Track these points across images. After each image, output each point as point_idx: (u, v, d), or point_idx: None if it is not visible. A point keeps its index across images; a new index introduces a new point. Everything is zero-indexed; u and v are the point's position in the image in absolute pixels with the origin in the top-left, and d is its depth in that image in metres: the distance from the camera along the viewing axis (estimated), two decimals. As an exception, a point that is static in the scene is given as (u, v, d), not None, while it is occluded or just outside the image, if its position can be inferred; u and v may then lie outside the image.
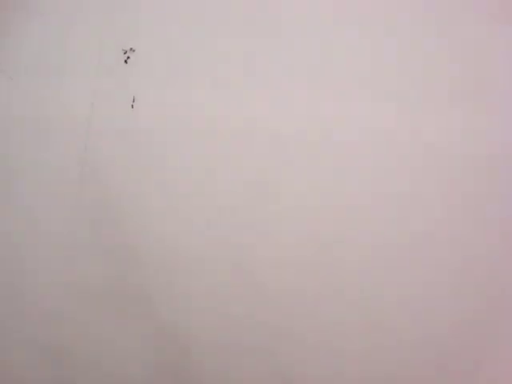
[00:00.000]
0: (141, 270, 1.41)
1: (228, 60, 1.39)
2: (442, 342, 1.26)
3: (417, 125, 1.28)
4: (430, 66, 1.28)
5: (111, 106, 1.45)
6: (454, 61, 1.26)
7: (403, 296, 1.28)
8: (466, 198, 1.26)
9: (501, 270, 1.24)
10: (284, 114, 1.35)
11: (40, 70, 1.49)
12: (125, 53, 1.45)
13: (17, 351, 1.45)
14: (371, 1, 1.31)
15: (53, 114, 1.47)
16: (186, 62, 1.41)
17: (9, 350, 1.45)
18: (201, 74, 1.40)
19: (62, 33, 1.48)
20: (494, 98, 1.25)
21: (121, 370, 1.41)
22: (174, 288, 1.39)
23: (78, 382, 1.43)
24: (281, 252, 1.34)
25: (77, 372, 1.43)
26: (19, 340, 1.44)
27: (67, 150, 1.46)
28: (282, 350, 1.34)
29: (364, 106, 1.31)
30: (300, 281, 1.33)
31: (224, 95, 1.39)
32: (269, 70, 1.36)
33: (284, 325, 1.34)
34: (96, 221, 1.43)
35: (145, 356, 1.40)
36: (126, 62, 1.45)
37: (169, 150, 1.42)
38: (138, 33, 1.45)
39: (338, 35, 1.33)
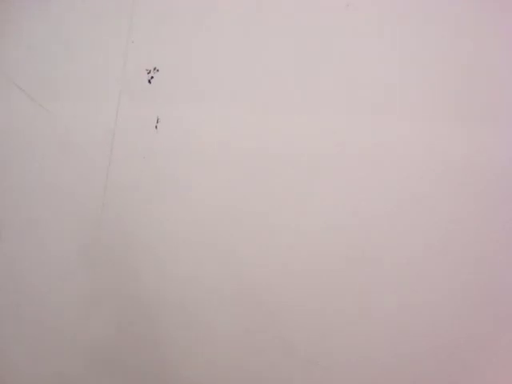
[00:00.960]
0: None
1: (252, 79, 1.31)
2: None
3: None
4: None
5: (135, 128, 1.41)
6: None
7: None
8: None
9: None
10: (309, 133, 1.26)
11: (63, 92, 1.48)
12: (148, 72, 1.41)
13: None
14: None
15: (75, 137, 1.45)
16: (211, 81, 1.35)
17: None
18: (225, 92, 1.34)
19: (84, 53, 1.47)
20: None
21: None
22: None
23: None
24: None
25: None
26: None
27: (89, 175, 1.43)
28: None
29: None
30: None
31: (249, 115, 1.31)
32: (296, 91, 1.27)
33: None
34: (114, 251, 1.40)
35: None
36: (149, 82, 1.41)
37: (192, 175, 1.36)
38: (162, 52, 1.41)
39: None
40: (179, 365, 1.34)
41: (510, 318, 1.07)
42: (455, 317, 1.11)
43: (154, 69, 1.41)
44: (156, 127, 1.40)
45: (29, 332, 1.49)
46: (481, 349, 1.09)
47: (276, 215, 1.27)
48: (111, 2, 1.45)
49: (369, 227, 1.17)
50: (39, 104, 1.50)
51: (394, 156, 1.16)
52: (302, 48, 1.25)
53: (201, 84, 1.36)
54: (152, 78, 1.41)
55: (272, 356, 1.25)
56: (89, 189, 1.44)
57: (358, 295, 1.18)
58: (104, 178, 1.43)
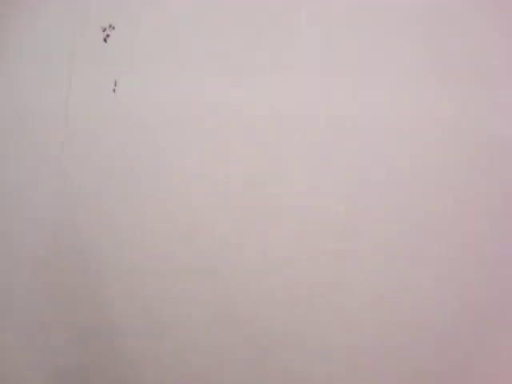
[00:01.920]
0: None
1: (219, 40, 1.19)
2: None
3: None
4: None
5: (91, 91, 1.30)
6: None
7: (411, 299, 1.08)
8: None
9: None
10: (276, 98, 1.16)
11: (16, 53, 1.37)
12: (104, 30, 1.29)
13: None
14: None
15: (29, 100, 1.34)
16: (171, 39, 1.24)
17: None
18: (185, 51, 1.22)
19: (36, 11, 1.35)
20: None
21: None
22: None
23: None
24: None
25: None
26: None
27: (45, 142, 1.33)
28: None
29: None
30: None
31: (216, 78, 1.20)
32: (262, 51, 1.16)
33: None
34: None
35: None
36: (105, 40, 1.29)
37: (156, 140, 1.26)
38: (118, 8, 1.28)
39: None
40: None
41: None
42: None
43: (110, 26, 1.29)
44: (114, 91, 1.29)
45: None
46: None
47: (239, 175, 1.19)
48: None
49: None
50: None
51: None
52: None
53: (161, 42, 1.24)
54: (108, 36, 1.29)
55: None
56: (45, 157, 1.34)
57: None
58: (60, 150, 1.33)
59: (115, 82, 1.29)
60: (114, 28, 1.29)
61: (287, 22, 1.14)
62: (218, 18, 1.19)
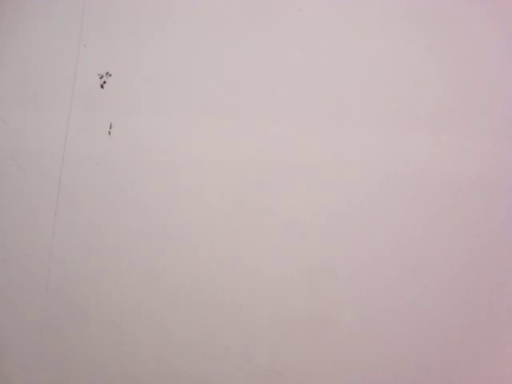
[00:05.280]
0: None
1: (205, 85, 1.28)
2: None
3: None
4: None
5: (88, 134, 1.38)
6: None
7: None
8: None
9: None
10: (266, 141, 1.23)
11: (14, 97, 1.45)
12: (101, 77, 1.38)
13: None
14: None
15: (25, 143, 1.42)
16: (165, 86, 1.32)
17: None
18: (178, 99, 1.31)
19: (33, 57, 1.44)
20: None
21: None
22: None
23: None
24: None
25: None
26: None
27: (41, 182, 1.40)
28: None
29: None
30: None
31: (204, 123, 1.28)
32: (248, 95, 1.24)
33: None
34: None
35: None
36: (102, 87, 1.38)
37: (145, 181, 1.34)
38: (114, 57, 1.37)
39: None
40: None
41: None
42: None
43: (107, 73, 1.38)
44: (109, 133, 1.37)
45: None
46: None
47: (232, 224, 1.25)
48: (61, 5, 1.41)
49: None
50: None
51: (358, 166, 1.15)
52: (253, 49, 1.23)
53: (155, 89, 1.33)
54: (105, 82, 1.38)
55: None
56: (41, 199, 1.41)
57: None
58: (56, 188, 1.40)
59: (110, 125, 1.37)
60: (110, 75, 1.38)
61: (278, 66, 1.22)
62: (212, 67, 1.27)
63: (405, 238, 1.10)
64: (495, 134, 1.04)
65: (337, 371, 1.15)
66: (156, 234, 1.31)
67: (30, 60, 1.44)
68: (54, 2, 1.42)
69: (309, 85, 1.17)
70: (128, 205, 1.35)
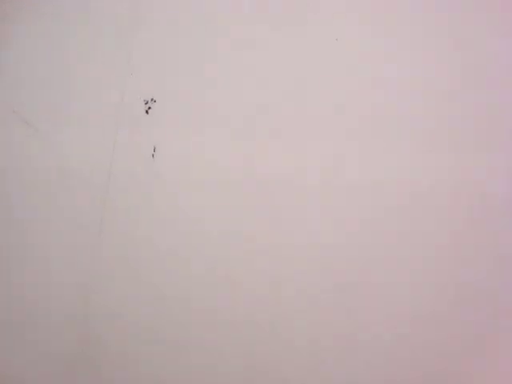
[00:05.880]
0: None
1: (248, 109, 1.35)
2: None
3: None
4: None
5: (132, 156, 1.45)
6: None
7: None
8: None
9: None
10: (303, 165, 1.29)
11: (60, 119, 1.52)
12: (146, 103, 1.46)
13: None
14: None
15: (72, 164, 1.49)
16: (207, 112, 1.39)
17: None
18: (220, 122, 1.38)
19: (83, 82, 1.52)
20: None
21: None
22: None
23: None
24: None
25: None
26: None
27: (86, 202, 1.47)
28: None
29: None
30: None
31: (245, 144, 1.35)
32: (288, 120, 1.31)
33: None
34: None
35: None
36: (147, 112, 1.45)
37: (189, 202, 1.39)
38: (159, 84, 1.45)
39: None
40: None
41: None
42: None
43: (152, 99, 1.45)
44: (153, 156, 1.43)
45: None
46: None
47: (271, 239, 1.30)
48: (111, 33, 1.51)
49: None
50: (36, 130, 1.54)
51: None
52: (296, 79, 1.30)
53: (197, 114, 1.40)
54: (149, 108, 1.45)
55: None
56: (86, 217, 1.47)
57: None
58: (101, 208, 1.46)
59: (154, 149, 1.44)
60: (155, 101, 1.45)
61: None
62: (253, 93, 1.35)
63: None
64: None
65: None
66: (203, 254, 1.37)
67: (79, 83, 1.53)
68: (105, 36, 1.52)
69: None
70: (167, 225, 1.41)
